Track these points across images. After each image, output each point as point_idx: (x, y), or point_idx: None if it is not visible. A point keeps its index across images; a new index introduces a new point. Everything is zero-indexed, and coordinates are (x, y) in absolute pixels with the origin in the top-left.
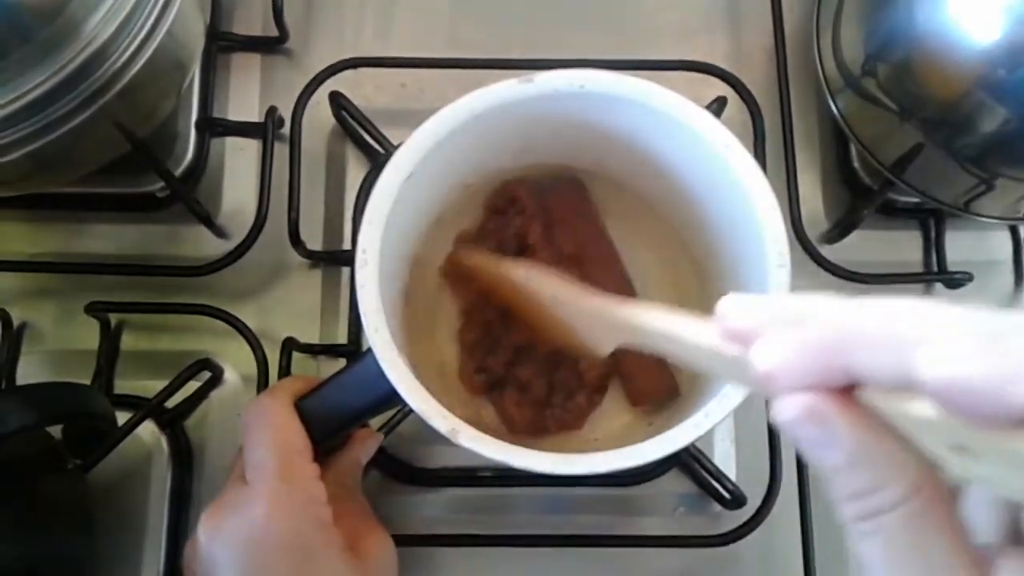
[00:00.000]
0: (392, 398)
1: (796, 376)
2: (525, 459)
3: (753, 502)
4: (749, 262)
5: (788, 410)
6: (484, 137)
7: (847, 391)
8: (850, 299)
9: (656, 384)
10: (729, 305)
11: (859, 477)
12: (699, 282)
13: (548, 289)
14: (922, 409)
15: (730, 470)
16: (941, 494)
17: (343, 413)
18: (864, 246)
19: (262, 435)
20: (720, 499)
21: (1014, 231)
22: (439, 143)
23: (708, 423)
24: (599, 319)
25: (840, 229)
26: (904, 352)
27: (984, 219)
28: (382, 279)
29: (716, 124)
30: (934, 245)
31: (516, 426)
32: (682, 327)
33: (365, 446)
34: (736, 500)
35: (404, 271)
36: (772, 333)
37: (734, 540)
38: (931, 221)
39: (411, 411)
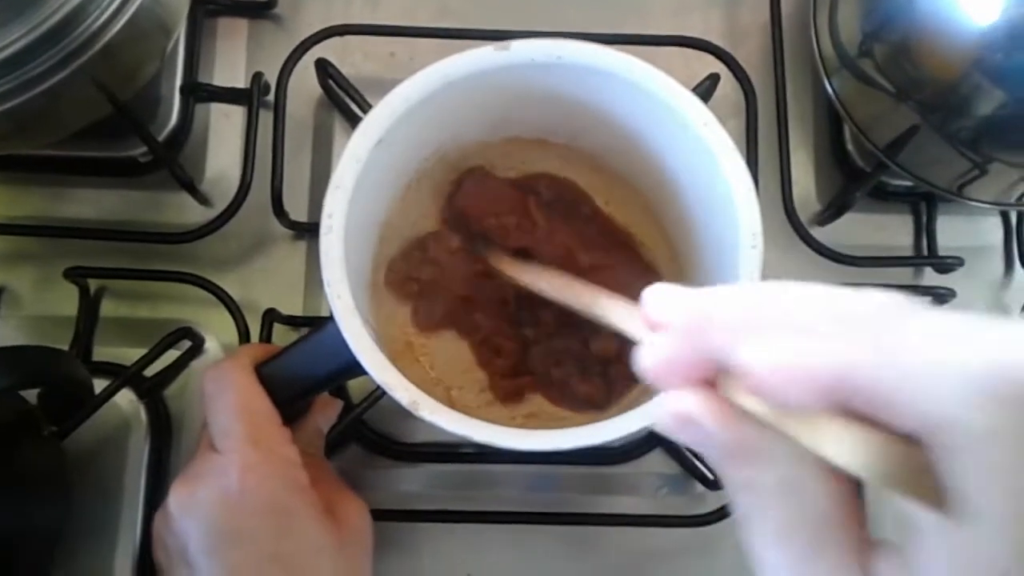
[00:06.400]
0: (354, 367)
1: (672, 369)
2: (486, 433)
3: None
4: (723, 242)
5: (660, 417)
6: (459, 105)
7: (714, 386)
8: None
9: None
10: (652, 295)
11: (735, 469)
12: (672, 260)
13: (548, 291)
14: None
15: None
16: (821, 480)
17: (304, 380)
18: (855, 229)
19: (225, 400)
20: (703, 480)
21: (1005, 216)
22: (411, 109)
23: None
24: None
25: (832, 211)
26: (735, 338)
27: (977, 204)
28: (348, 246)
29: (695, 100)
30: (925, 229)
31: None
32: (622, 318)
33: (326, 413)
34: (719, 481)
35: (373, 238)
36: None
37: (717, 520)
38: (923, 205)
39: None
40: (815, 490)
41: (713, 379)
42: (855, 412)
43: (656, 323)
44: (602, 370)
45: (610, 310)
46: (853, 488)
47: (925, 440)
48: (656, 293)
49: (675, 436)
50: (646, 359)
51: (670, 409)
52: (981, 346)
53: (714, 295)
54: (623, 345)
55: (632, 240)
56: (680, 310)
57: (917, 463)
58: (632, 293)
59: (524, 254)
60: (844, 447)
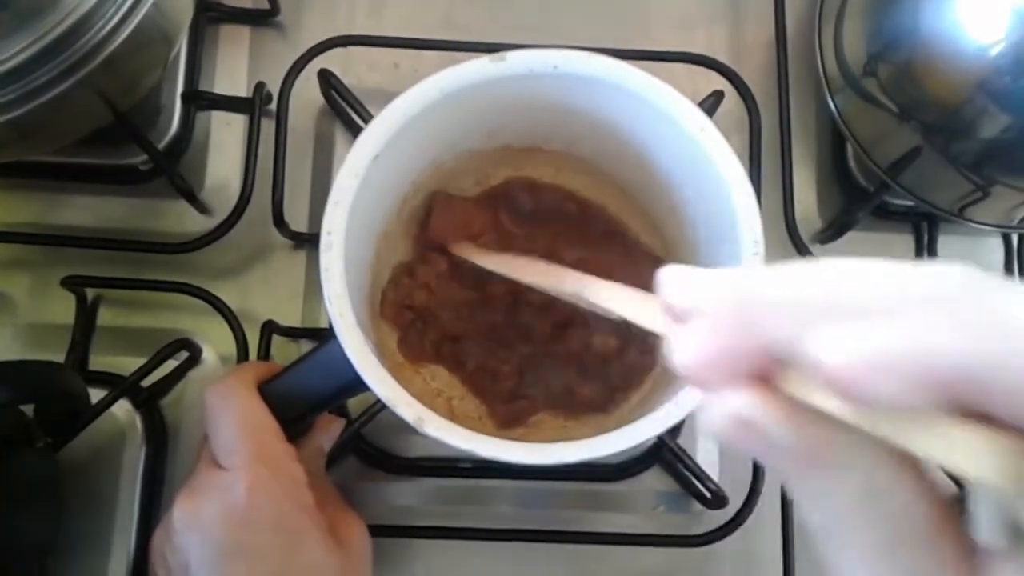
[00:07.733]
0: (358, 384)
1: (717, 364)
2: (492, 448)
3: (735, 502)
4: (723, 248)
5: (713, 422)
6: (455, 116)
7: (771, 382)
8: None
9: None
10: (673, 277)
11: (808, 480)
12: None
13: (525, 277)
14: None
15: (712, 470)
16: (912, 484)
17: (308, 399)
18: (856, 248)
19: (229, 417)
20: (701, 498)
21: (1006, 238)
22: (407, 123)
23: (678, 413)
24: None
25: (833, 230)
26: (800, 323)
27: (978, 226)
28: (348, 261)
29: (691, 106)
30: (926, 249)
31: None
32: (627, 305)
33: (328, 432)
34: (717, 500)
35: (371, 250)
36: (698, 319)
37: (714, 540)
38: (924, 225)
39: None
40: (907, 496)
41: (766, 374)
42: (966, 408)
43: (681, 311)
44: (602, 371)
45: (610, 298)
46: (939, 492)
47: None
48: (678, 275)
49: (732, 444)
50: (682, 354)
51: (725, 413)
52: None
53: (759, 274)
54: (624, 341)
55: (622, 226)
56: (717, 294)
57: None
58: (627, 283)
59: None
60: (966, 451)
